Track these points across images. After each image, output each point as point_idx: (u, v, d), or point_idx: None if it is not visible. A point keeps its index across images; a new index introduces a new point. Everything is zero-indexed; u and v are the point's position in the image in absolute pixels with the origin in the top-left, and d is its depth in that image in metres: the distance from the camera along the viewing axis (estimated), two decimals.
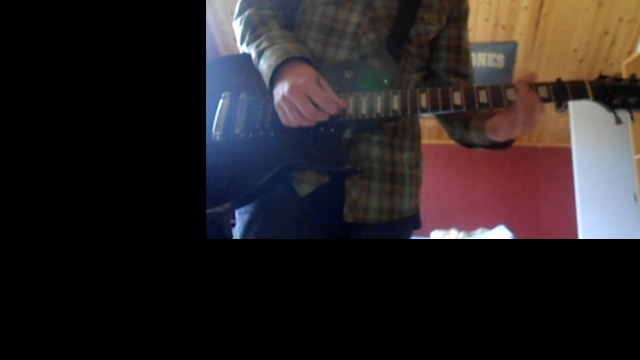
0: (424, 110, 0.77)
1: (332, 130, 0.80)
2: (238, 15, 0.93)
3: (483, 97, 0.75)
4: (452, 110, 0.76)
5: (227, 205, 0.82)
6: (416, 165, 0.93)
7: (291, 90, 0.75)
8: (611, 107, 0.72)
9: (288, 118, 0.77)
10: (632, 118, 0.72)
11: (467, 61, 0.96)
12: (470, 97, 0.75)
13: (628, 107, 0.72)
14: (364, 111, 0.78)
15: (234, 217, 0.91)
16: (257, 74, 0.85)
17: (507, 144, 0.82)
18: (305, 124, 0.77)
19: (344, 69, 0.83)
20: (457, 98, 0.76)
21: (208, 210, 0.81)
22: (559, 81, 0.73)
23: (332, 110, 0.76)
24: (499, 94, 0.74)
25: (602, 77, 0.74)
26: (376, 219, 0.85)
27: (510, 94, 0.74)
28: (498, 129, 0.76)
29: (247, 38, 0.88)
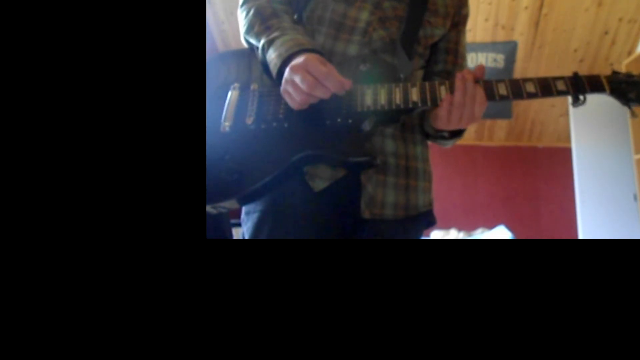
0: None
1: (350, 121, 0.79)
2: (246, 3, 0.91)
3: (502, 89, 0.76)
4: None
5: (234, 201, 0.80)
6: (427, 159, 0.95)
7: (292, 69, 0.74)
8: (626, 100, 0.74)
9: (294, 99, 0.75)
10: None
11: (462, 65, 0.97)
12: (490, 89, 0.76)
13: None
14: (382, 102, 0.78)
15: (235, 217, 0.90)
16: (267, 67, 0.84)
17: (452, 136, 0.87)
18: (307, 99, 0.75)
19: (359, 63, 0.83)
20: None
21: (215, 204, 0.79)
22: (575, 75, 0.76)
23: (333, 84, 0.73)
24: (518, 87, 0.76)
25: (615, 72, 0.77)
26: (393, 215, 0.85)
27: (529, 86, 0.76)
28: (438, 115, 0.79)
29: (256, 28, 0.86)
